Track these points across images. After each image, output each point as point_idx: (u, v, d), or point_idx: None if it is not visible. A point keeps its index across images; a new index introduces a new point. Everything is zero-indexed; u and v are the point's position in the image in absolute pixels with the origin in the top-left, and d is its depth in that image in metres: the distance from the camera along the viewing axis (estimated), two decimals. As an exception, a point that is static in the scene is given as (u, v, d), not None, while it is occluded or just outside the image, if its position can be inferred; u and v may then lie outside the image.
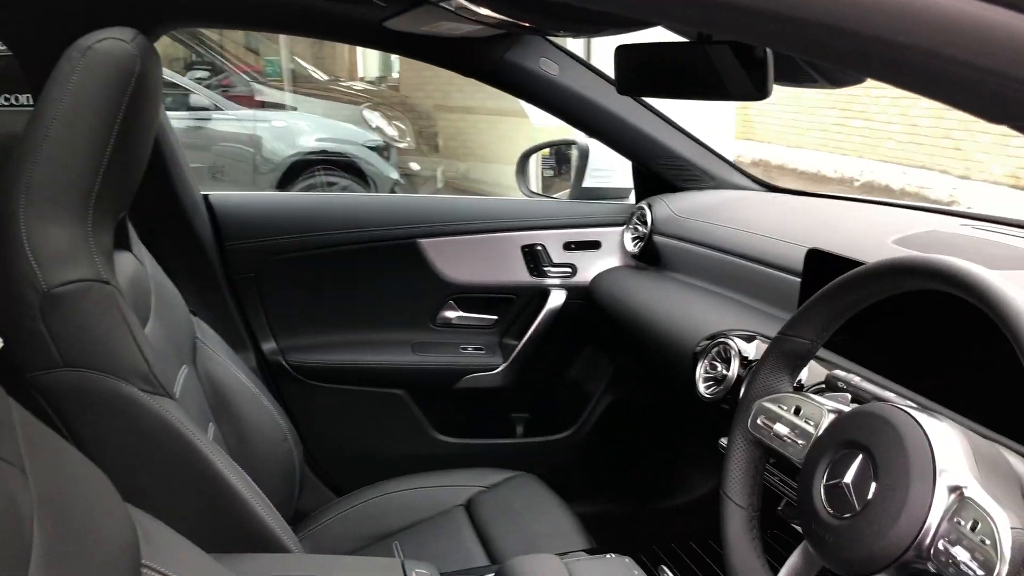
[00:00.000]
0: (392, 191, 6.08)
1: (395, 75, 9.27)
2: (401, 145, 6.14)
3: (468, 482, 1.77)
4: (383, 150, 6.02)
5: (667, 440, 2.14)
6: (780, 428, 1.04)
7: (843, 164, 9.77)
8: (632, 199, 2.18)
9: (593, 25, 1.19)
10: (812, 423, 1.01)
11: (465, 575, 1.41)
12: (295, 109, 6.40)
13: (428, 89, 8.45)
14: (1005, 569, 0.75)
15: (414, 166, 6.11)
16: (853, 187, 9.30)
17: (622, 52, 1.28)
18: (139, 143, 1.17)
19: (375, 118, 6.07)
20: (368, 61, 9.69)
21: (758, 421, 1.07)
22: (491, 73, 1.82)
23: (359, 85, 8.25)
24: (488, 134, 7.01)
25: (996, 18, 0.51)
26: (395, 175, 6.07)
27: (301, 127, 5.92)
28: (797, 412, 1.04)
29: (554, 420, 2.16)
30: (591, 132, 1.97)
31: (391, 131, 6.11)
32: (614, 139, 1.96)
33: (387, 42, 1.75)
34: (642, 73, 1.27)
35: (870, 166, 9.32)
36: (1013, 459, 0.90)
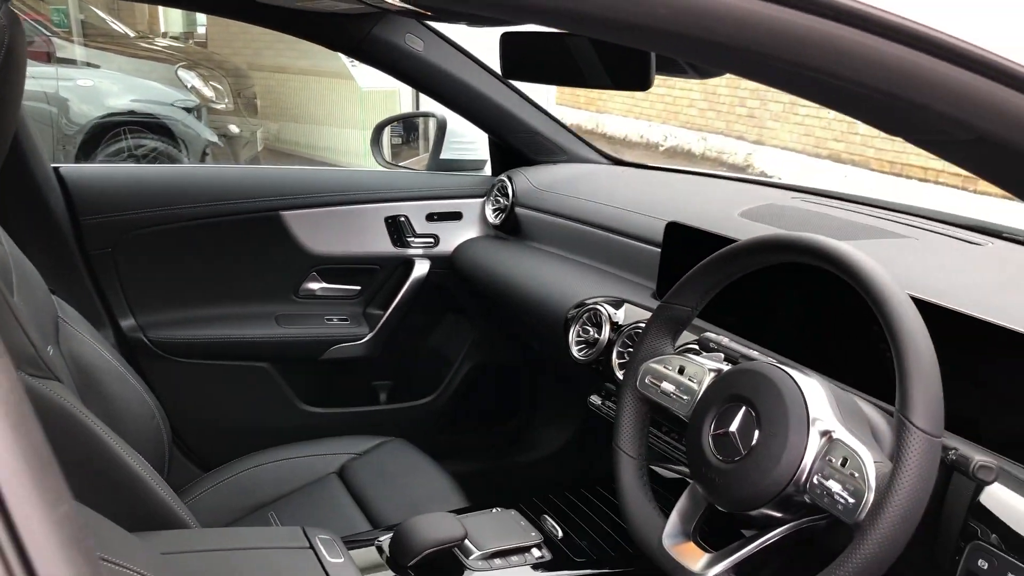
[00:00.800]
0: (204, 153, 5.85)
1: (201, 30, 8.84)
2: (218, 107, 5.91)
3: (339, 450, 1.81)
4: (193, 111, 5.78)
5: (526, 399, 2.27)
6: (667, 386, 1.17)
7: (648, 129, 10.28)
8: (488, 171, 2.27)
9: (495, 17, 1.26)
10: (695, 381, 1.15)
11: (363, 537, 1.46)
12: (98, 67, 5.99)
13: (236, 46, 8.12)
14: (872, 496, 0.91)
15: (233, 128, 5.90)
16: (658, 152, 9.82)
17: (508, 38, 1.35)
18: (6, 118, 1.13)
19: (191, 78, 5.81)
20: (170, 15, 9.19)
21: (646, 380, 1.20)
22: (358, 48, 1.84)
23: (163, 41, 7.81)
24: (307, 95, 6.86)
25: (861, 40, 0.62)
26: (211, 137, 5.85)
27: (109, 87, 5.56)
28: (681, 371, 1.17)
29: (417, 386, 2.24)
30: (453, 106, 2.03)
31: (207, 92, 5.87)
32: (474, 113, 2.03)
33: (251, 14, 1.73)
34: (527, 60, 1.35)
35: (673, 131, 9.86)
36: (863, 405, 1.07)
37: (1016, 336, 1.02)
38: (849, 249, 1.00)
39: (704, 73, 1.30)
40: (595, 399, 1.62)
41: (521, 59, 1.37)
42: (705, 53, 0.65)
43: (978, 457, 0.95)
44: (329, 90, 6.12)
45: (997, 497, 0.98)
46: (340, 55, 5.66)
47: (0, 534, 0.33)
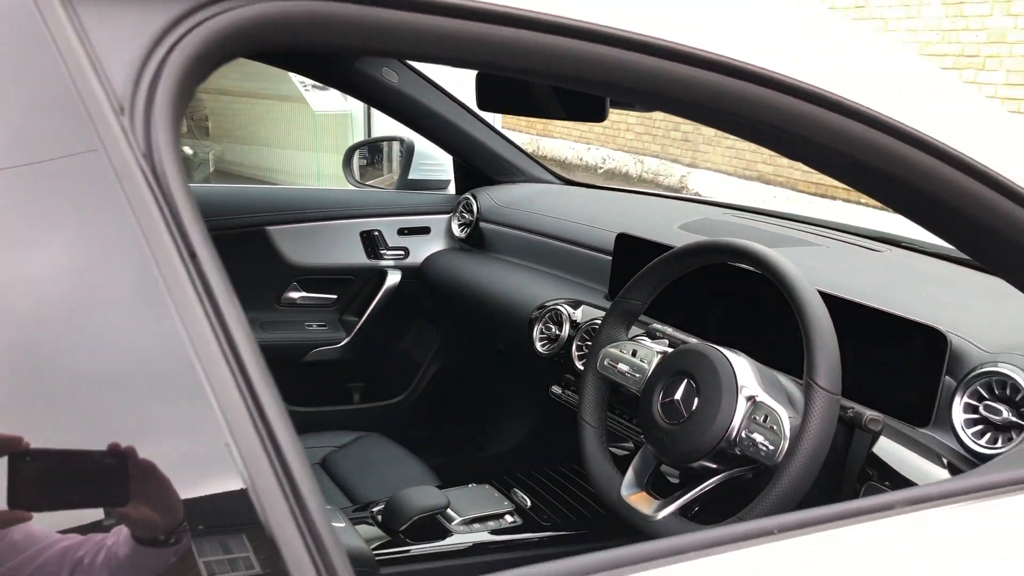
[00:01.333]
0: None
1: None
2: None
3: (320, 444, 2.01)
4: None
5: (490, 396, 2.48)
6: (622, 367, 1.41)
7: (587, 152, 10.61)
8: (452, 190, 2.49)
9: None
10: (646, 361, 1.38)
11: (355, 509, 1.66)
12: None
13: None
14: (786, 444, 1.15)
15: (187, 150, 6.01)
16: (597, 174, 10.14)
17: (483, 76, 1.58)
18: None
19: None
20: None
21: (605, 363, 1.43)
22: (341, 80, 2.06)
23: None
24: (259, 117, 6.98)
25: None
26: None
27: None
28: (634, 354, 1.41)
29: (388, 386, 2.44)
30: (424, 132, 2.26)
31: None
32: (443, 139, 2.26)
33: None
34: (499, 95, 1.58)
35: (611, 154, 10.21)
36: (780, 377, 1.31)
37: (899, 321, 1.29)
38: (770, 251, 1.26)
39: (647, 108, 1.55)
40: (556, 389, 1.85)
41: (494, 94, 1.59)
42: (658, 105, 0.89)
43: (868, 413, 1.20)
44: (282, 113, 6.28)
45: (886, 448, 1.23)
46: (291, 78, 5.78)
47: (269, 447, 0.54)
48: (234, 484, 0.53)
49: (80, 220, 0.54)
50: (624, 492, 1.33)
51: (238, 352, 0.55)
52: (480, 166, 2.35)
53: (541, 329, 1.84)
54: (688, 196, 2.26)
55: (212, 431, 0.53)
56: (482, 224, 2.27)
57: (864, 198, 6.92)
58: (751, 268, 1.33)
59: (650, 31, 0.75)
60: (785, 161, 7.76)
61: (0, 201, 0.52)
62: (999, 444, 1.16)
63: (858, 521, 0.75)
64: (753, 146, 8.08)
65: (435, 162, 2.44)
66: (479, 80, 1.58)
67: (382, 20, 0.62)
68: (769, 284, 1.26)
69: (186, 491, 0.53)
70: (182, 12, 0.58)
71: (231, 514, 0.55)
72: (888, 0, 6.82)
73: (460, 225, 2.34)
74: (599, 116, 1.46)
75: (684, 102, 0.81)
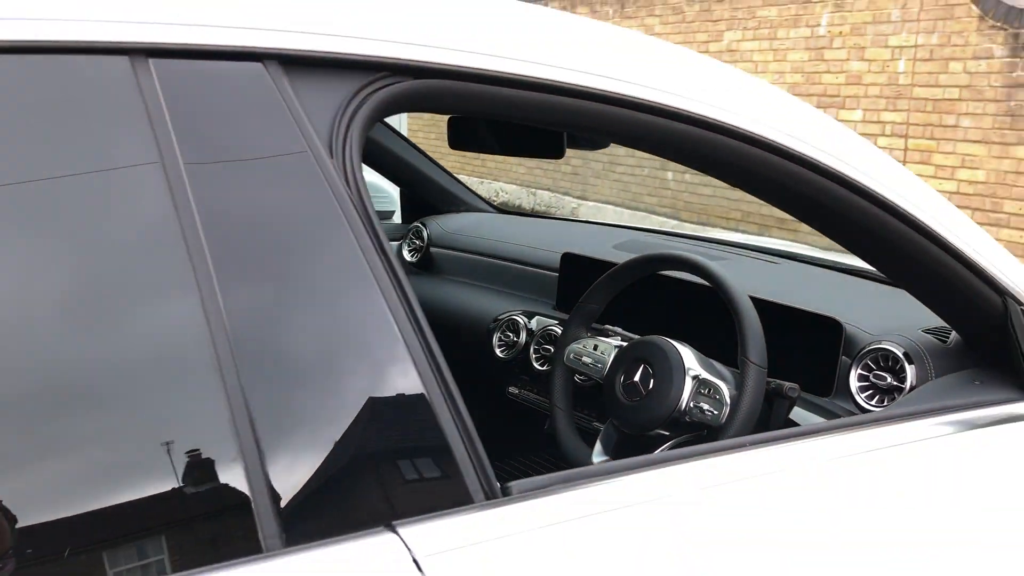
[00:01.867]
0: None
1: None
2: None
3: None
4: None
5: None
6: (586, 359, 1.70)
7: (480, 186, 10.96)
8: (398, 219, 2.75)
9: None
10: (606, 354, 1.68)
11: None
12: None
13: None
14: (727, 410, 1.47)
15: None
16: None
17: (454, 118, 1.86)
18: None
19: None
20: None
21: (571, 357, 1.72)
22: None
23: None
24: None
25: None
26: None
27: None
28: (595, 348, 1.70)
29: None
30: (380, 170, 2.51)
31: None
32: (396, 175, 2.53)
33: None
34: (470, 135, 1.86)
35: (504, 187, 10.60)
36: (716, 364, 1.63)
37: (804, 314, 1.63)
38: (707, 260, 1.58)
39: (594, 146, 1.86)
40: (513, 389, 2.13)
41: (465, 135, 1.87)
42: (621, 141, 1.20)
43: (787, 384, 1.53)
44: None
45: (800, 414, 1.57)
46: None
47: (443, 388, 0.80)
48: (426, 413, 0.80)
49: (314, 231, 0.79)
50: (595, 459, 1.62)
51: (419, 322, 0.81)
52: (427, 198, 2.62)
53: (500, 337, 2.12)
54: (609, 222, 2.60)
55: (410, 380, 0.80)
56: (433, 249, 2.53)
57: (742, 224, 7.53)
58: (688, 275, 1.65)
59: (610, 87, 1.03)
60: (668, 193, 8.31)
61: (268, 223, 0.77)
62: (885, 403, 1.51)
63: (791, 441, 1.07)
64: (639, 179, 8.60)
65: (383, 194, 2.70)
66: (451, 122, 1.86)
67: (493, 95, 0.91)
68: (700, 290, 1.58)
69: (396, 419, 0.79)
70: (360, 86, 0.84)
71: (426, 431, 0.81)
72: (758, 45, 7.46)
73: (411, 251, 2.60)
74: (558, 153, 1.77)
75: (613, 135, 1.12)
